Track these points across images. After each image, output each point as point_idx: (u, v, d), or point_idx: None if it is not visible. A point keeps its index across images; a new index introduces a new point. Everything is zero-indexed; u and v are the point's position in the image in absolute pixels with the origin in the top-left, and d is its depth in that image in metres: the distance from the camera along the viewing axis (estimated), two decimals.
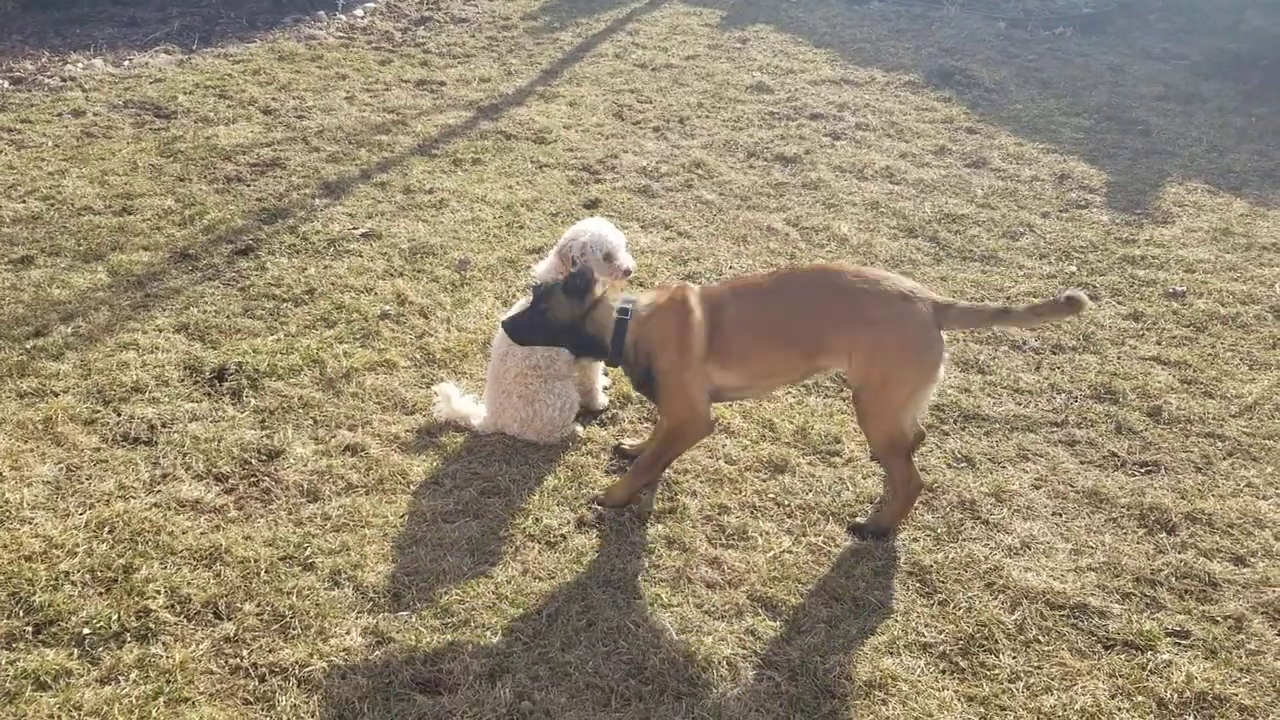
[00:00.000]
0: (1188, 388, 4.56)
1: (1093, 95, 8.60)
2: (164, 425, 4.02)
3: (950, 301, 3.43)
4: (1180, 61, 9.61)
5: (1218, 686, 3.03)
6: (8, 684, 2.88)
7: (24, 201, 5.89)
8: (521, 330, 3.66)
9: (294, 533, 3.51)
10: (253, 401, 4.19)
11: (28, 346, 4.49)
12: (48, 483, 3.69)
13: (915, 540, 3.60)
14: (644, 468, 3.65)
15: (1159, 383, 4.57)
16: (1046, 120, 7.98)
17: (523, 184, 6.49)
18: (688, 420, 3.53)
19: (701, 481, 3.86)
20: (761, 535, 3.60)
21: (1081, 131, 7.76)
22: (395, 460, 3.91)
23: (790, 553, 3.52)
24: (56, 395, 4.17)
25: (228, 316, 4.80)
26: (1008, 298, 5.27)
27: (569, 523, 3.63)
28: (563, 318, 3.55)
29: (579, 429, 4.12)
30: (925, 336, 3.35)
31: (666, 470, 3.85)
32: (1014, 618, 3.27)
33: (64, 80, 7.98)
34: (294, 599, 3.23)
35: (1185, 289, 5.39)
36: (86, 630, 3.06)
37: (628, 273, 4.06)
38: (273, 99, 7.75)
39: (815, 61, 9.30)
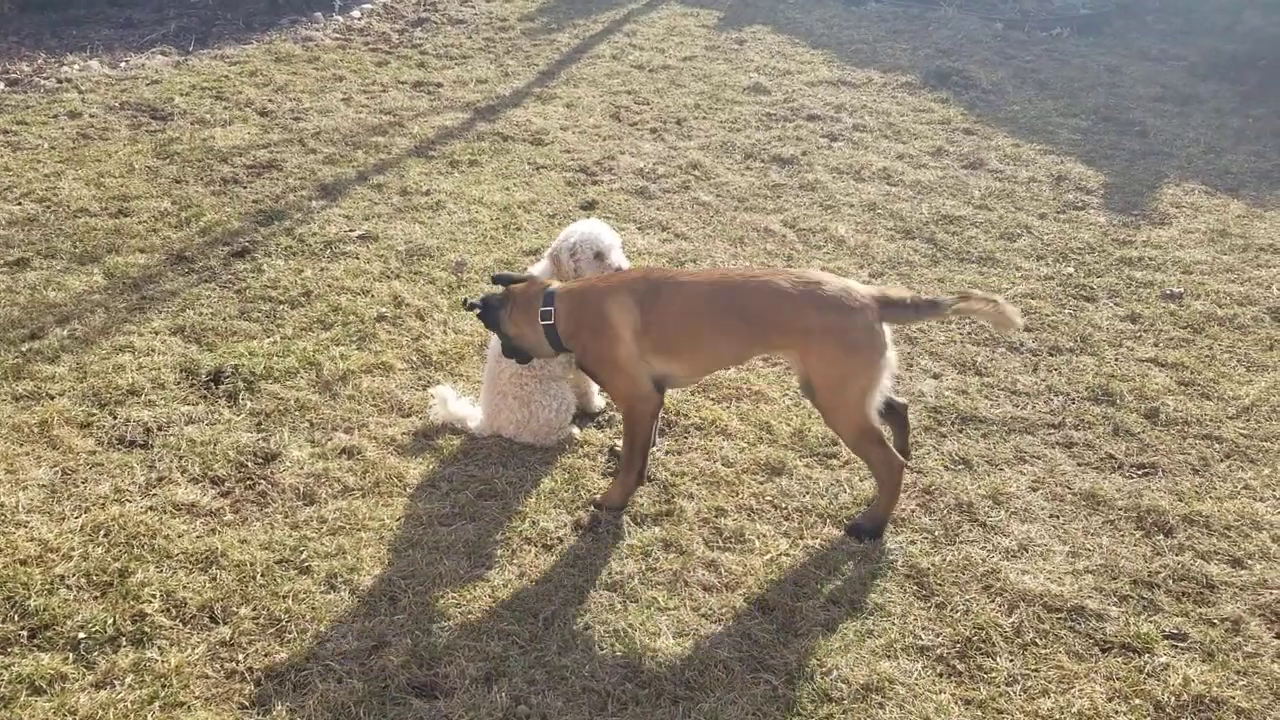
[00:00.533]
0: (1185, 389, 4.55)
1: (1090, 96, 8.61)
2: (160, 428, 4.01)
3: (886, 295, 3.46)
4: (1177, 62, 9.61)
5: (1215, 689, 3.03)
6: (3, 689, 2.87)
7: (20, 204, 5.88)
8: (507, 351, 3.83)
9: (290, 536, 3.51)
10: (249, 404, 4.18)
11: (23, 349, 4.48)
12: (43, 486, 3.68)
13: (912, 543, 3.60)
14: (626, 461, 3.67)
15: (1156, 384, 4.56)
16: (1044, 121, 7.98)
17: (520, 185, 6.49)
18: (635, 395, 3.59)
19: (698, 484, 3.85)
20: (759, 538, 3.59)
21: (1079, 133, 7.76)
22: (392, 463, 3.90)
23: (787, 555, 3.52)
24: (52, 398, 4.16)
25: (224, 319, 4.80)
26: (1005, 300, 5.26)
27: (565, 525, 3.62)
28: (502, 327, 3.72)
29: (575, 431, 4.12)
30: (867, 334, 3.38)
31: (658, 465, 3.86)
32: (1011, 620, 3.27)
33: (60, 82, 7.97)
34: (290, 603, 3.22)
35: (1182, 290, 5.39)
36: (82, 634, 3.05)
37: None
38: (269, 101, 7.74)
39: (812, 62, 9.30)
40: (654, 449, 3.98)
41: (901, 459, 3.57)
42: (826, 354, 3.42)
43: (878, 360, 3.41)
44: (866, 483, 3.87)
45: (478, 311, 3.75)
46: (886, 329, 3.43)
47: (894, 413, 3.73)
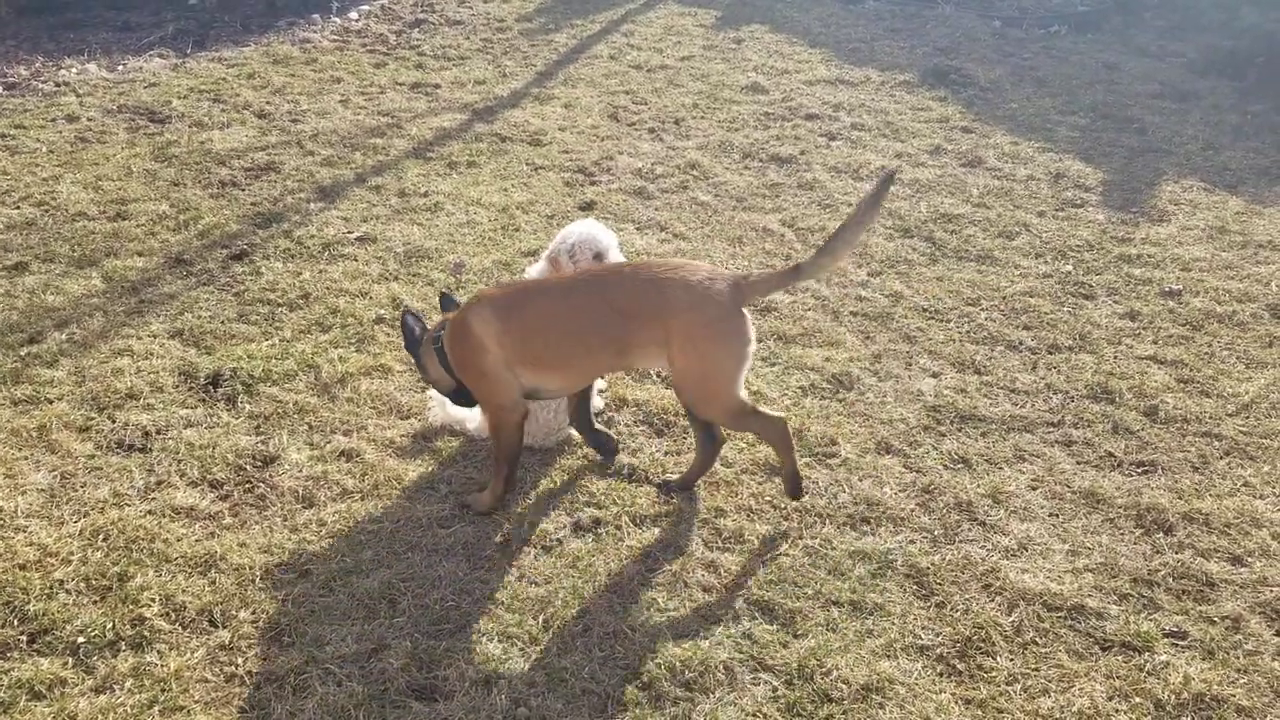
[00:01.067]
0: (1184, 387, 4.55)
1: (1088, 93, 8.60)
2: (159, 432, 4.01)
3: (747, 273, 3.50)
4: (1176, 59, 9.61)
5: (1215, 687, 3.03)
6: (2, 694, 2.88)
7: (18, 208, 5.87)
8: (455, 399, 3.81)
9: (289, 539, 3.51)
10: (247, 407, 4.18)
11: (22, 353, 4.48)
12: (42, 490, 3.68)
13: (912, 542, 3.59)
14: (496, 467, 3.65)
15: (1155, 382, 4.56)
16: (1042, 119, 7.98)
17: (518, 186, 6.48)
18: (500, 405, 3.57)
19: (697, 485, 3.84)
20: (758, 538, 3.59)
21: (1077, 130, 7.75)
22: (390, 465, 3.90)
23: (787, 556, 3.51)
24: (51, 402, 4.16)
25: (222, 322, 4.79)
26: (1004, 298, 5.27)
27: (564, 527, 3.62)
28: (421, 360, 3.74)
29: (573, 432, 4.11)
30: (732, 322, 3.39)
31: (656, 466, 3.85)
32: (1011, 619, 3.27)
33: (58, 85, 7.97)
34: (289, 606, 3.22)
35: (1181, 287, 5.39)
36: (81, 639, 3.05)
37: None
38: (267, 103, 7.73)
39: (810, 61, 9.30)
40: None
41: (781, 416, 3.60)
42: (695, 344, 3.40)
43: (744, 347, 3.43)
44: (865, 482, 3.87)
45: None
46: (747, 313, 3.45)
47: (711, 438, 3.73)
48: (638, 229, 5.94)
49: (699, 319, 3.37)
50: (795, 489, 3.67)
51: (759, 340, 4.78)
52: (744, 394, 3.50)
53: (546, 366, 3.53)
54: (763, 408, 3.57)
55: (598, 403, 4.29)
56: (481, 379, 3.56)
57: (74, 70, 8.30)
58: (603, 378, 4.22)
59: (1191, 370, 4.67)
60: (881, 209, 3.54)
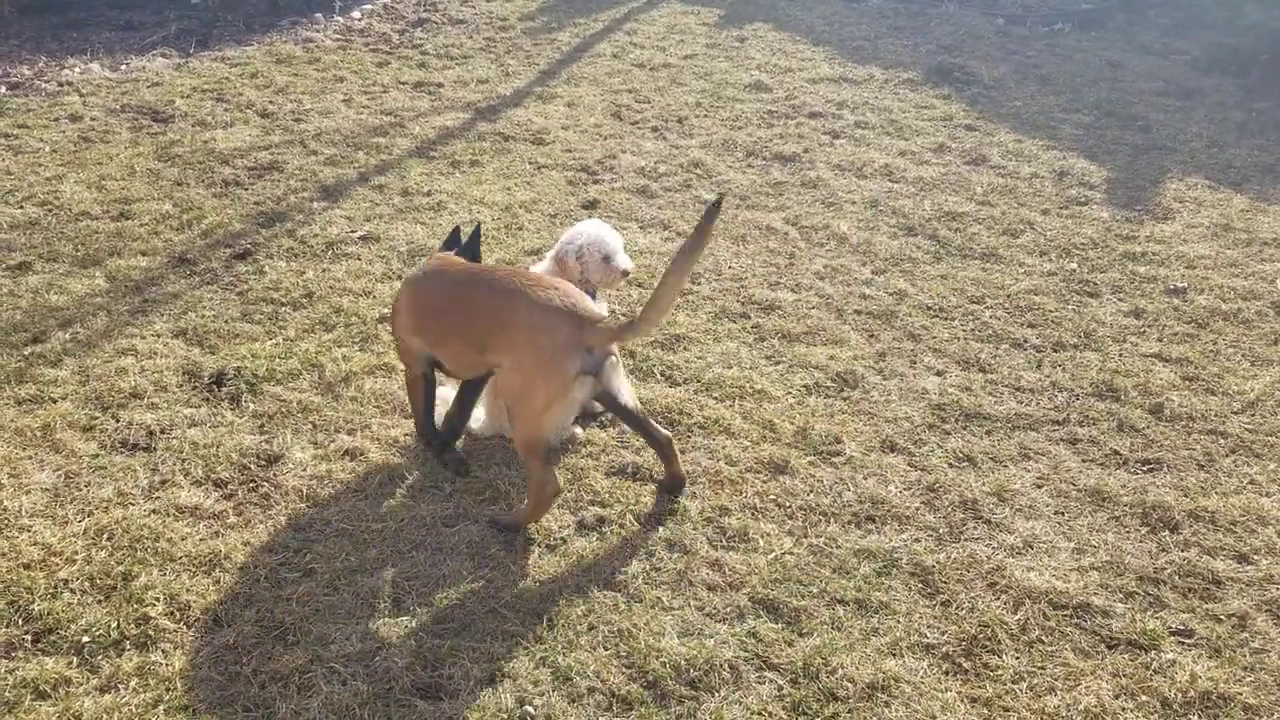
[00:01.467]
0: (1189, 385, 4.54)
1: (1092, 91, 8.59)
2: (163, 431, 4.01)
3: (598, 318, 3.40)
4: (1180, 57, 9.59)
5: (1222, 685, 3.02)
6: (7, 693, 2.87)
7: (21, 207, 5.87)
8: None
9: (293, 538, 3.50)
10: (251, 406, 4.18)
11: (26, 353, 4.48)
12: (46, 490, 3.68)
13: (917, 541, 3.59)
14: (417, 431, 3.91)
15: (1160, 380, 4.55)
16: (1046, 117, 7.97)
17: (521, 185, 6.48)
18: (406, 362, 3.85)
19: (702, 484, 3.84)
20: (762, 537, 3.58)
21: (1081, 128, 7.74)
22: (395, 464, 3.90)
23: (791, 554, 3.51)
24: (55, 402, 4.16)
25: (226, 321, 4.79)
26: (1008, 296, 5.26)
27: (569, 526, 3.62)
28: None
29: (578, 431, 4.11)
30: (556, 350, 3.33)
31: (658, 465, 3.86)
32: (1017, 618, 3.26)
33: (61, 85, 7.97)
34: (293, 605, 3.22)
35: (1186, 285, 5.38)
36: (86, 638, 3.05)
37: (626, 274, 4.06)
38: (270, 102, 7.74)
39: (813, 60, 9.29)
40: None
41: (559, 485, 3.52)
42: (520, 363, 3.39)
43: (562, 389, 3.35)
44: (870, 480, 3.86)
45: None
46: (607, 355, 3.40)
47: (655, 441, 3.70)
48: (641, 228, 5.94)
49: (529, 340, 3.36)
50: (507, 527, 3.57)
51: (762, 340, 4.80)
52: (552, 434, 3.45)
53: (432, 343, 3.70)
54: (552, 471, 3.48)
55: (596, 405, 4.28)
56: (397, 340, 3.84)
57: (77, 70, 8.31)
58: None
59: (1197, 368, 4.66)
60: (706, 247, 3.52)
